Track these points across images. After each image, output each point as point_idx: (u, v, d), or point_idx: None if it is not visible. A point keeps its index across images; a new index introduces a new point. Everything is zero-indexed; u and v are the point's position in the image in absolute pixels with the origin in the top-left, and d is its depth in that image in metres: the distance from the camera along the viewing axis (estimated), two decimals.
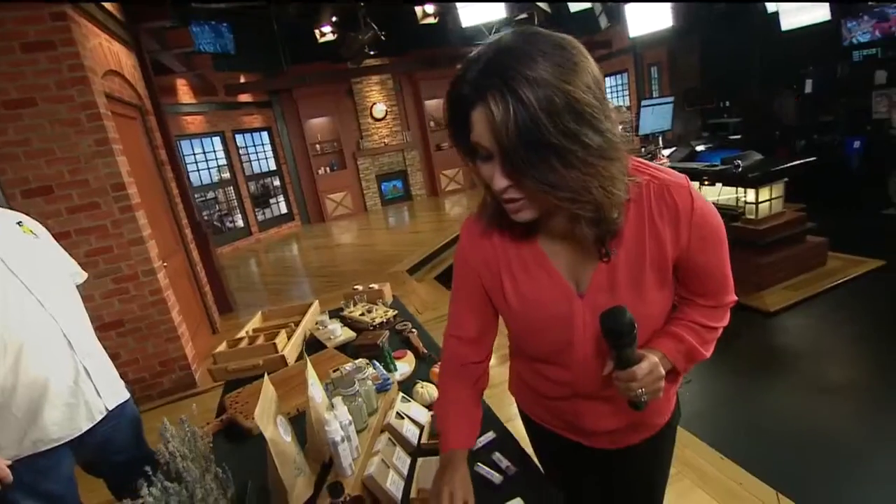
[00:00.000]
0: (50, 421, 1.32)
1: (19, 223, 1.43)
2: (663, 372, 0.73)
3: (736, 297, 0.84)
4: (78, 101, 2.66)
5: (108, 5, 3.23)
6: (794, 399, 2.63)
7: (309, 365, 0.97)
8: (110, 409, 1.47)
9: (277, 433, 0.84)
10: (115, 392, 1.52)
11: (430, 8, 7.07)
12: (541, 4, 5.85)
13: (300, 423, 1.09)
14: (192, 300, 3.96)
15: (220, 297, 4.59)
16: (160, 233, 3.41)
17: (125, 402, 1.55)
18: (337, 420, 0.86)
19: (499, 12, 5.55)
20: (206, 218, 6.36)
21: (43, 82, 2.58)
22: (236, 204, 8.39)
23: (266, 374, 0.97)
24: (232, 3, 6.84)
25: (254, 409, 1.31)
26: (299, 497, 0.83)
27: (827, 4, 4.93)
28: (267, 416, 0.81)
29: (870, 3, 5.75)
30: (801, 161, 3.91)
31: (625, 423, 0.88)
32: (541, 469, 1.02)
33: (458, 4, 5.28)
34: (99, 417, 1.44)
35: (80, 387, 1.40)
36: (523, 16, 6.88)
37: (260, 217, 8.87)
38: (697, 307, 0.81)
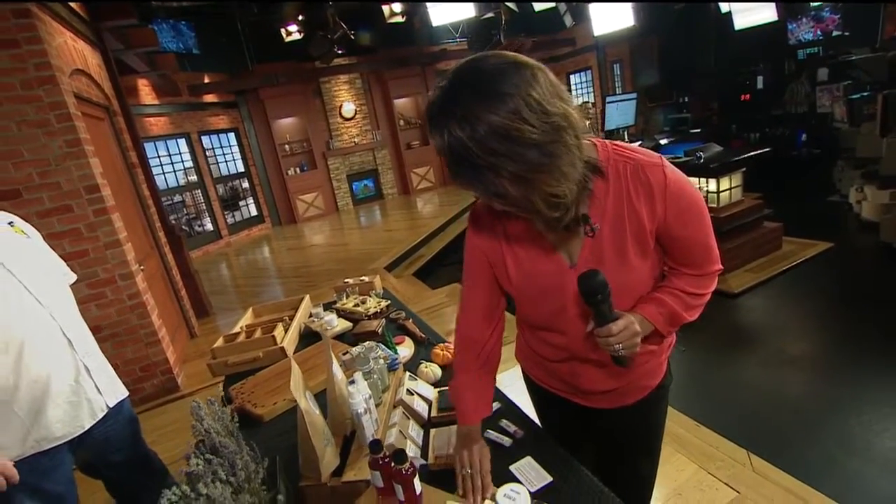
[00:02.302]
0: (53, 419, 1.32)
1: (10, 223, 1.41)
2: (638, 329, 0.82)
3: (721, 266, 0.92)
4: (46, 101, 2.58)
5: (72, 3, 3.14)
6: (760, 371, 2.83)
7: (329, 347, 1.02)
8: (111, 406, 1.48)
9: (310, 405, 0.89)
10: (114, 390, 1.52)
11: (397, 7, 7.09)
12: (508, 3, 5.97)
13: (319, 401, 1.14)
14: (169, 304, 3.89)
15: (195, 300, 4.50)
16: (135, 236, 3.34)
17: (123, 400, 1.56)
18: (360, 393, 0.91)
19: (467, 11, 5.64)
20: (174, 222, 6.19)
21: (8, 81, 2.49)
22: (205, 207, 8.19)
23: (291, 358, 1.01)
24: (194, 2, 6.68)
25: (262, 398, 1.36)
26: (329, 465, 0.88)
27: (773, 5, 5.24)
28: (299, 391, 0.86)
29: (812, 3, 6.15)
30: (757, 151, 4.17)
31: (617, 384, 0.98)
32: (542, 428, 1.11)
33: (428, 4, 5.33)
34: (100, 415, 1.44)
35: (82, 385, 1.40)
36: (490, 14, 7.00)
37: (230, 220, 8.68)
38: (682, 275, 0.89)
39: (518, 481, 0.90)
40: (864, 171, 4.62)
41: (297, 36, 7.22)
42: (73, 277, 1.59)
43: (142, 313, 3.01)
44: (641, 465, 1.11)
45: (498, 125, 0.65)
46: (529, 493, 0.86)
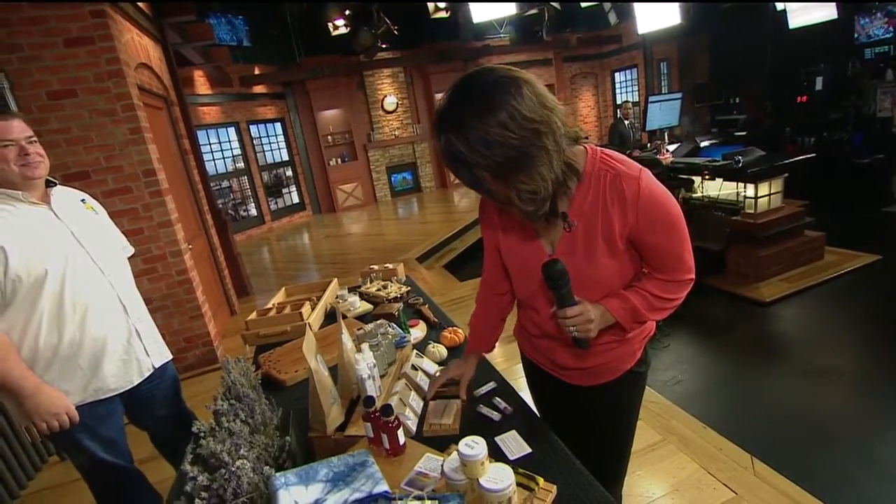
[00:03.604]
0: (109, 373, 1.52)
1: (83, 200, 1.62)
2: (592, 317, 0.93)
3: (693, 277, 1.00)
4: (114, 92, 2.86)
5: (138, 1, 3.42)
6: (782, 381, 2.78)
7: (341, 320, 1.15)
8: (156, 366, 1.67)
9: (319, 366, 1.02)
10: (160, 353, 1.72)
11: (441, 2, 7.19)
12: (550, 0, 5.96)
13: (331, 373, 1.27)
14: (213, 283, 4.18)
15: (237, 280, 4.81)
16: (185, 217, 3.62)
17: (167, 362, 1.75)
18: (364, 361, 1.04)
19: (509, 8, 5.67)
20: (221, 206, 6.59)
21: (83, 75, 2.78)
22: (250, 193, 8.62)
23: (308, 328, 1.15)
24: None
25: (285, 366, 1.52)
26: (334, 420, 1.02)
27: (833, 4, 4.98)
28: (311, 353, 0.99)
29: (877, 2, 5.79)
30: (799, 158, 4.02)
31: (584, 364, 1.09)
32: (532, 408, 1.22)
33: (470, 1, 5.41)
34: (147, 374, 1.64)
35: (132, 345, 1.60)
36: (533, 11, 6.99)
37: (273, 206, 9.09)
38: (653, 279, 0.99)
39: (501, 451, 1.01)
40: None
41: (343, 30, 7.46)
42: (132, 251, 1.80)
43: (188, 289, 3.27)
44: (613, 444, 1.20)
45: (484, 133, 0.78)
46: (510, 462, 0.97)
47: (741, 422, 2.37)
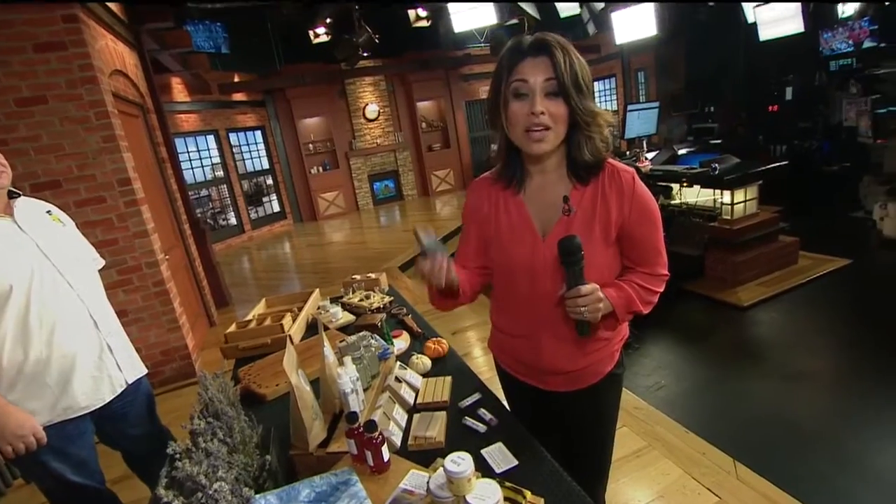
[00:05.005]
0: (79, 391, 1.46)
1: (48, 212, 1.57)
2: (602, 296, 0.96)
3: (667, 272, 1.07)
4: (87, 99, 2.78)
5: (113, 7, 3.35)
6: (760, 384, 2.83)
7: (323, 333, 1.12)
8: (130, 382, 1.61)
9: (300, 381, 0.99)
10: (133, 367, 1.66)
11: (422, 11, 7.23)
12: (530, 11, 6.04)
13: (313, 387, 1.24)
14: (191, 293, 4.08)
15: (216, 291, 4.71)
16: (161, 227, 3.54)
17: (141, 377, 1.69)
18: (347, 375, 1.02)
19: (490, 18, 5.73)
20: (199, 215, 6.47)
21: (54, 81, 2.70)
22: (229, 202, 8.48)
23: (288, 341, 1.12)
24: (227, 4, 6.94)
25: (266, 379, 1.48)
26: (316, 437, 0.99)
27: (800, 17, 5.17)
28: (292, 368, 0.97)
29: (840, 18, 6.05)
30: (774, 165, 4.14)
31: (575, 363, 1.09)
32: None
33: (451, 9, 5.44)
34: (119, 390, 1.58)
35: (104, 361, 1.54)
36: (514, 21, 7.07)
37: (253, 215, 8.95)
38: (637, 272, 1.05)
39: (487, 464, 0.99)
40: (890, 187, 4.53)
41: (324, 38, 7.43)
42: (102, 263, 1.74)
43: (165, 300, 3.19)
44: (596, 448, 1.21)
45: (586, 72, 0.94)
46: (496, 475, 0.95)
47: (723, 425, 2.40)
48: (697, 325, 3.65)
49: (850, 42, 6.65)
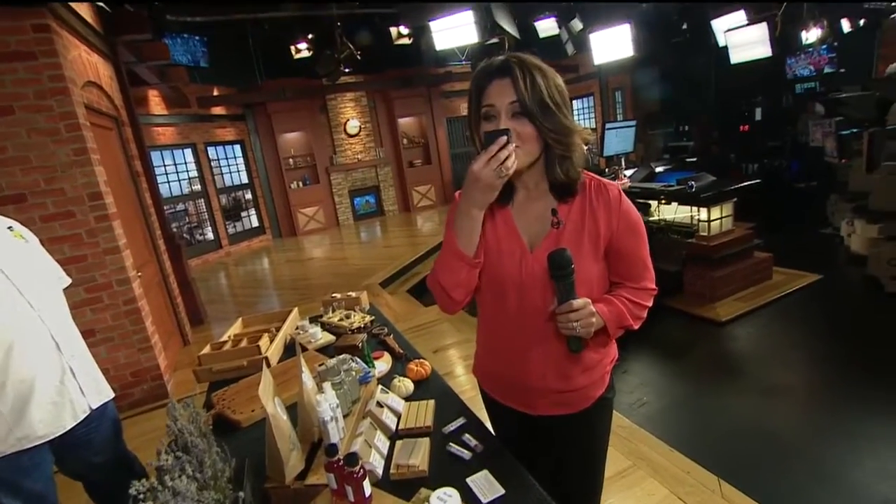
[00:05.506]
0: (36, 418, 1.37)
1: (10, 228, 1.49)
2: (594, 310, 0.95)
3: (655, 287, 1.06)
4: (57, 111, 2.69)
5: (88, 17, 3.28)
6: (740, 399, 2.86)
7: (301, 357, 1.08)
8: (94, 407, 1.52)
9: (277, 410, 0.94)
10: (98, 391, 1.57)
11: (405, 29, 7.30)
12: (510, 31, 6.15)
13: (289, 413, 1.19)
14: (165, 311, 3.94)
15: (191, 308, 4.56)
16: (134, 243, 3.42)
17: (107, 402, 1.60)
18: (326, 402, 0.97)
19: (471, 36, 5.80)
20: (175, 230, 6.30)
21: (21, 91, 2.61)
22: (206, 216, 8.30)
23: (264, 366, 1.07)
24: (207, 18, 6.89)
25: (241, 405, 1.41)
26: (293, 468, 0.94)
27: (768, 43, 5.40)
28: (268, 396, 0.92)
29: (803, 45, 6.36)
30: (748, 183, 4.26)
31: (565, 382, 1.06)
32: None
33: (433, 28, 5.50)
34: (82, 416, 1.49)
35: (66, 386, 1.45)
36: (494, 40, 7.19)
37: (231, 230, 8.78)
38: (625, 287, 1.04)
39: (473, 494, 0.95)
40: (856, 205, 4.70)
41: (306, 53, 7.42)
42: (68, 281, 1.66)
43: (136, 319, 3.06)
44: (587, 476, 1.17)
45: (555, 89, 0.93)
46: (481, 502, 0.91)
47: (705, 441, 2.41)
48: (678, 341, 3.69)
49: (812, 68, 7.01)
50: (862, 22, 6.10)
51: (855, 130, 5.11)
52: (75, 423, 1.46)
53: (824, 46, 6.59)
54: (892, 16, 5.71)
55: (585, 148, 0.98)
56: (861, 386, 2.80)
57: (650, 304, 1.05)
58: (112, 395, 1.62)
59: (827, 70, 6.79)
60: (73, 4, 2.96)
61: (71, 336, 1.52)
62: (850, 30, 6.03)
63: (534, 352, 1.05)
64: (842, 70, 6.70)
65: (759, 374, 3.12)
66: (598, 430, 1.15)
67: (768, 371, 3.13)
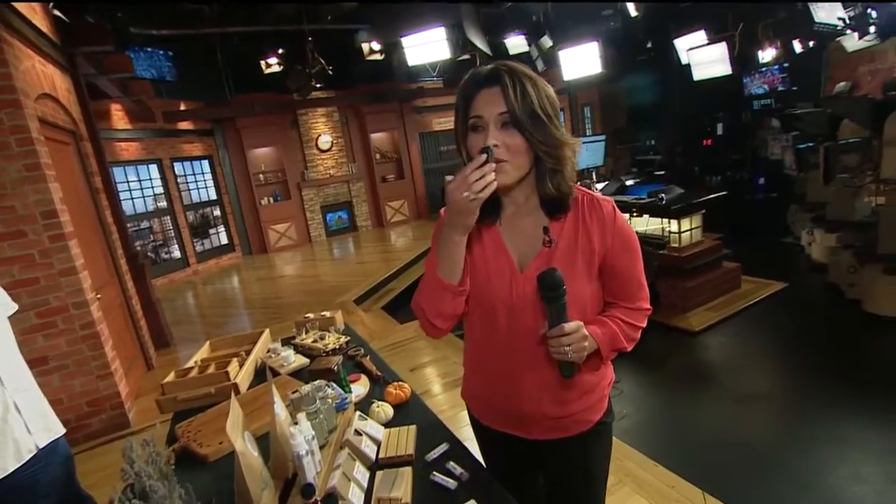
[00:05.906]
0: None
1: None
2: (587, 334, 0.90)
3: (650, 306, 1.02)
4: (7, 124, 2.54)
5: (43, 27, 3.13)
6: (715, 409, 2.89)
7: (272, 385, 1.00)
8: (41, 446, 1.40)
9: (246, 447, 0.86)
10: (47, 428, 1.44)
11: (376, 45, 7.31)
12: (482, 47, 6.24)
13: (260, 444, 1.11)
14: (126, 334, 3.74)
15: (155, 331, 4.35)
16: (93, 263, 3.24)
17: (57, 439, 1.47)
18: (301, 434, 0.90)
19: (443, 53, 5.84)
20: (139, 248, 6.04)
21: None
22: (173, 234, 8.00)
23: (232, 395, 0.99)
24: (175, 31, 6.73)
25: (208, 437, 1.32)
26: None
27: (728, 61, 5.64)
28: (236, 431, 0.84)
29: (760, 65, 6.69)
30: (715, 195, 4.38)
31: (560, 408, 1.01)
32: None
33: (405, 44, 5.51)
34: (28, 456, 1.36)
35: (9, 423, 1.33)
36: (466, 56, 7.28)
37: (198, 248, 8.49)
38: (619, 307, 1.00)
39: None
40: (814, 215, 4.90)
41: (276, 68, 7.33)
42: (13, 308, 1.53)
43: (94, 344, 2.88)
44: (585, 502, 1.11)
45: (545, 99, 0.89)
46: None
47: (685, 453, 2.42)
48: (654, 352, 3.72)
49: (766, 87, 7.38)
50: (812, 43, 6.46)
51: (811, 144, 5.36)
52: (19, 465, 1.33)
53: (776, 66, 6.95)
54: (837, 38, 6.07)
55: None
56: (829, 391, 2.87)
57: (644, 324, 1.01)
58: (62, 431, 1.49)
59: (780, 88, 7.14)
60: (27, 14, 2.82)
61: (16, 368, 1.40)
62: (801, 50, 6.38)
63: (526, 376, 0.99)
64: (794, 88, 7.06)
65: (732, 382, 3.16)
66: (597, 455, 1.10)
67: (740, 380, 3.18)
